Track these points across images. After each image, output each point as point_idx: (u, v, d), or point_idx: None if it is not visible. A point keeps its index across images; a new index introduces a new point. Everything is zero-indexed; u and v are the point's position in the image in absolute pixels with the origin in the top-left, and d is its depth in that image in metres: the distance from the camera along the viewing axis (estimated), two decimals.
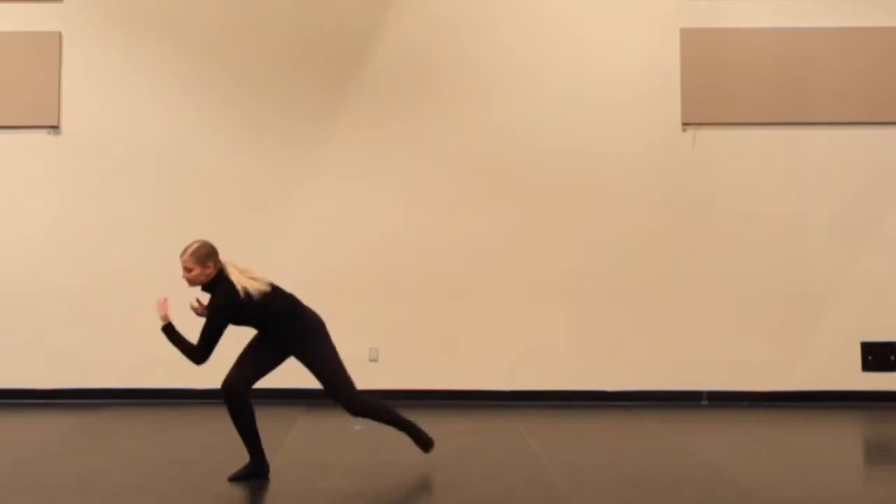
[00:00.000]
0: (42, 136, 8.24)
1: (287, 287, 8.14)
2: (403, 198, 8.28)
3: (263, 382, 8.02)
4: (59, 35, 8.26)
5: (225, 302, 4.96)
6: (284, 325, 5.14)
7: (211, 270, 5.01)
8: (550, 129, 8.31)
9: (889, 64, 8.28)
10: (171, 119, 8.28)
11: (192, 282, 5.04)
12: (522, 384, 8.16)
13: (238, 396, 5.09)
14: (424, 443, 5.51)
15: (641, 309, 8.20)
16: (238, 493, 4.88)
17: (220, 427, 7.06)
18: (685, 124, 8.28)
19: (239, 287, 4.97)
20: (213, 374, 8.11)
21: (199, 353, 4.96)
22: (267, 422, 7.16)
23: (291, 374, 8.14)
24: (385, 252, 8.22)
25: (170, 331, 5.01)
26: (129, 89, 8.28)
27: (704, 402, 8.12)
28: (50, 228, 8.18)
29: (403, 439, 5.47)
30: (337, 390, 5.20)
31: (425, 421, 7.42)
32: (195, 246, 5.04)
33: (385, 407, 5.46)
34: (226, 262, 5.11)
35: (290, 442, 6.33)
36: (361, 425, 6.98)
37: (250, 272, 5.09)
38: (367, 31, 8.34)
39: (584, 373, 8.15)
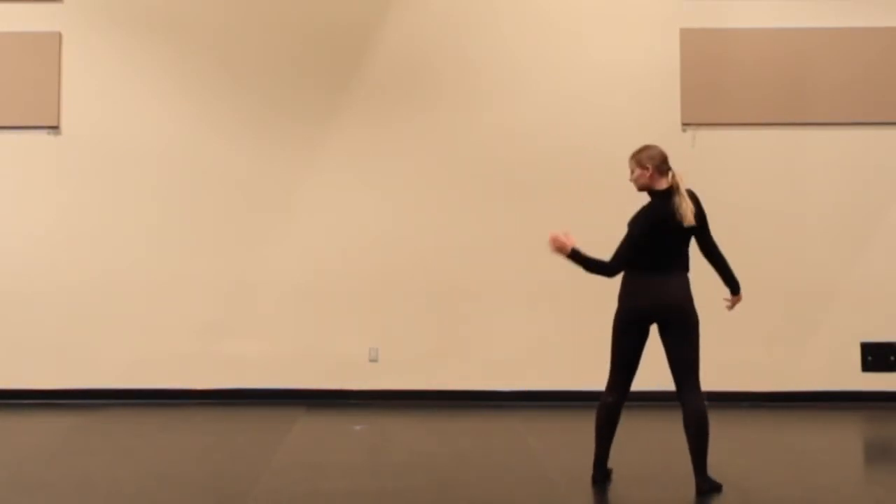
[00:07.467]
0: (42, 136, 8.23)
1: (287, 287, 8.29)
2: (404, 198, 8.28)
3: (263, 382, 8.17)
4: (59, 35, 8.25)
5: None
6: (684, 271, 5.15)
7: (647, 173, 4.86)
8: (551, 129, 8.30)
9: (889, 64, 8.28)
10: (171, 119, 8.27)
11: (636, 183, 4.90)
12: (522, 384, 8.15)
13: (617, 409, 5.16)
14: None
15: None
16: (238, 492, 4.87)
17: (220, 427, 7.08)
18: (685, 124, 8.28)
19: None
20: (213, 374, 8.22)
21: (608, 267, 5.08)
22: (267, 422, 7.22)
23: (292, 373, 8.24)
24: (385, 252, 8.22)
25: (576, 255, 4.98)
26: (129, 89, 8.27)
27: (704, 403, 8.10)
28: (50, 228, 8.18)
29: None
30: (693, 373, 5.10)
31: (425, 421, 7.46)
32: (643, 146, 4.90)
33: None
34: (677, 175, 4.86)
35: (290, 442, 6.32)
36: (361, 425, 6.99)
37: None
38: (368, 30, 8.34)
39: (584, 373, 8.11)
